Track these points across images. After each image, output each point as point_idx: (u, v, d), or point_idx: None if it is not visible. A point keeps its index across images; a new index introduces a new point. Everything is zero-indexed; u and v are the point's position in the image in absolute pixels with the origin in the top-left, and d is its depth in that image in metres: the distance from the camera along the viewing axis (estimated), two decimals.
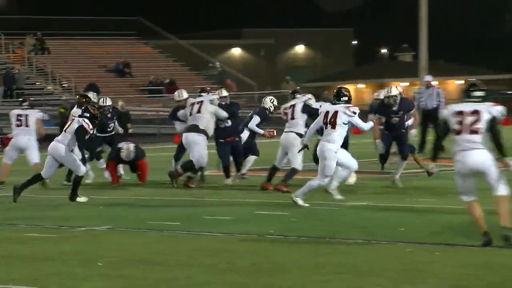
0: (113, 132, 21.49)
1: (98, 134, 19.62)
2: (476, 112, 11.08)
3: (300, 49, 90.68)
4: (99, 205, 16.92)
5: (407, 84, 71.35)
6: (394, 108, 18.22)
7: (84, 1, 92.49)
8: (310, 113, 17.71)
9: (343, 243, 11.87)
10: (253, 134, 20.17)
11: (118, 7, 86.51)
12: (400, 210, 14.63)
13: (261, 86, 63.30)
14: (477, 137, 11.06)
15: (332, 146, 15.22)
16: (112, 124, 21.39)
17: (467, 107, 11.22)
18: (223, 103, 19.71)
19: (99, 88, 50.73)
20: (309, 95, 18.75)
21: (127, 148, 20.10)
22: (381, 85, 79.92)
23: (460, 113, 11.18)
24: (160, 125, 50.33)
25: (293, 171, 17.80)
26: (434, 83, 31.14)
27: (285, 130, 18.21)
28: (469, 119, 11.09)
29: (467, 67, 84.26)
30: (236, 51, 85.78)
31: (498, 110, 11.13)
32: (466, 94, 11.40)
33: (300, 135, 17.62)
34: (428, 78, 29.85)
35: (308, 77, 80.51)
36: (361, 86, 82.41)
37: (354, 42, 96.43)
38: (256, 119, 19.46)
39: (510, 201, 11.08)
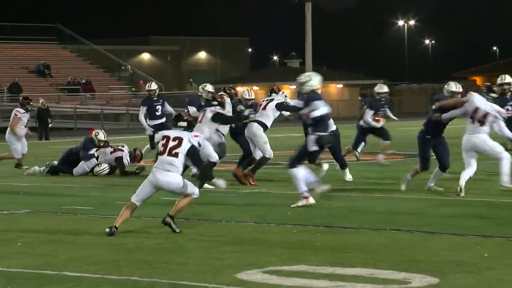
0: None
1: None
2: None
3: (202, 55, 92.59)
4: (20, 192, 16.59)
5: (294, 87, 71.98)
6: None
7: (9, 8, 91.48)
8: (285, 109, 16.95)
9: (237, 225, 11.81)
10: None
11: (40, 15, 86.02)
12: (288, 197, 14.60)
13: (168, 87, 63.56)
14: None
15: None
16: None
17: None
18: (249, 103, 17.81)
19: (21, 87, 50.32)
20: (284, 93, 18.12)
21: None
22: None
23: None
24: (77, 121, 50.44)
25: (263, 160, 16.80)
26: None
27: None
28: None
29: (346, 73, 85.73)
30: (146, 56, 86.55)
31: None
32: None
33: (265, 126, 16.74)
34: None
35: (209, 80, 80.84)
36: (255, 88, 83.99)
37: (250, 50, 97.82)
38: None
39: None
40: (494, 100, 14.30)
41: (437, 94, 14.91)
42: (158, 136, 11.60)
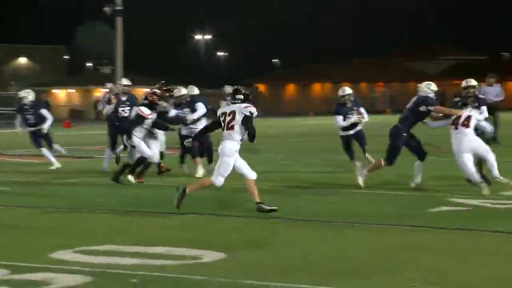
0: None
1: None
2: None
3: (23, 60, 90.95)
4: None
5: (106, 90, 71.46)
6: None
7: None
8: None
9: (52, 211, 11.62)
10: None
11: None
12: (102, 185, 14.47)
13: None
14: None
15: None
16: None
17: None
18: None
19: None
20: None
21: None
22: (87, 90, 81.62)
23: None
24: None
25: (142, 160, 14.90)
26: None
27: None
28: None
29: (154, 78, 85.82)
30: None
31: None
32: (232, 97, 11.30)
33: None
34: (109, 85, 29.82)
35: (29, 83, 79.41)
36: (71, 91, 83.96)
37: (66, 57, 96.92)
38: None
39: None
40: (455, 103, 13.45)
41: (423, 96, 13.21)
42: (218, 112, 11.36)
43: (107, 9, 61.97)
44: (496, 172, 12.53)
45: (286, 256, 8.05)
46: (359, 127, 15.57)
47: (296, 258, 7.89)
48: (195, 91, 16.73)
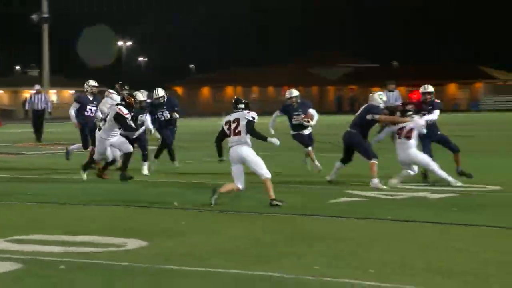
0: None
1: None
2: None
3: None
4: None
5: (33, 91, 70.32)
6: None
7: None
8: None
9: None
10: None
11: None
12: (32, 179, 14.17)
13: None
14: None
15: None
16: None
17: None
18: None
19: None
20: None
21: None
22: (16, 91, 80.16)
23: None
24: None
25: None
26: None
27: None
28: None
29: (82, 80, 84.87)
30: None
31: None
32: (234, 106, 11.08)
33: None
34: (37, 87, 29.31)
35: None
36: (0, 92, 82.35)
37: None
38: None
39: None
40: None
41: (372, 104, 12.91)
42: (222, 122, 11.06)
43: (34, 17, 60.92)
44: (448, 178, 12.44)
45: (203, 243, 8.03)
46: (307, 131, 15.02)
47: (212, 245, 7.88)
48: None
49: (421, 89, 13.70)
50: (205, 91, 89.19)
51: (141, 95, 15.03)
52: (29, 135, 28.48)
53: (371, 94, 13.39)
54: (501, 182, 12.84)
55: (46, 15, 59.37)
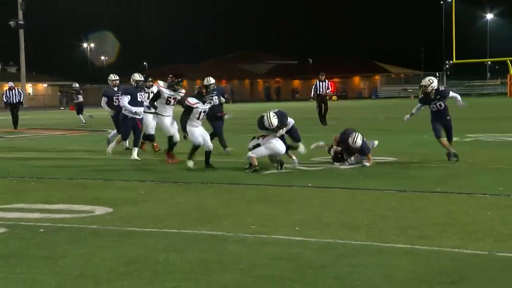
0: None
1: None
2: None
3: None
4: None
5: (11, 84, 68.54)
6: None
7: None
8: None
9: None
10: None
11: None
12: (14, 158, 13.76)
13: None
14: None
15: None
16: None
17: None
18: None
19: None
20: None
21: None
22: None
23: None
24: None
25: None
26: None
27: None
28: None
29: (50, 76, 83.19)
30: None
31: None
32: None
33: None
34: (10, 84, 28.80)
35: None
36: None
37: None
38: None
39: None
40: (420, 99, 12.18)
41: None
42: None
43: (11, 23, 59.16)
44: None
45: (159, 209, 7.97)
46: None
47: (166, 210, 7.82)
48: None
49: (423, 82, 12.24)
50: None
51: (138, 76, 13.95)
52: (8, 122, 28.14)
53: None
54: (397, 154, 13.08)
55: (21, 22, 57.81)
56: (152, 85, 14.84)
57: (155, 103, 13.29)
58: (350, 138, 11.66)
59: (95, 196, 8.95)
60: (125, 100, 13.52)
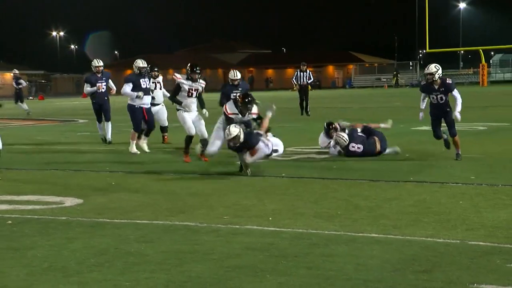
0: None
1: None
2: None
3: None
4: None
5: None
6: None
7: None
8: None
9: None
10: None
11: None
12: None
13: None
14: None
15: None
16: None
17: None
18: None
19: None
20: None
21: None
22: None
23: None
24: None
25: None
26: None
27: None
28: None
29: (17, 66, 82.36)
30: None
31: None
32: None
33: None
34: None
35: None
36: None
37: None
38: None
39: None
40: (422, 87, 10.89)
41: None
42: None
43: None
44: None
45: (130, 200, 7.92)
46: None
47: (137, 201, 7.78)
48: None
49: (425, 70, 11.00)
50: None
51: (141, 62, 13.24)
52: None
53: None
54: None
55: None
56: (158, 75, 14.48)
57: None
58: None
59: (65, 187, 8.87)
60: (126, 88, 12.89)
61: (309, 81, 24.20)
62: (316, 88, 67.40)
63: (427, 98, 11.00)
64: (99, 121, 15.16)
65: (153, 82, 14.11)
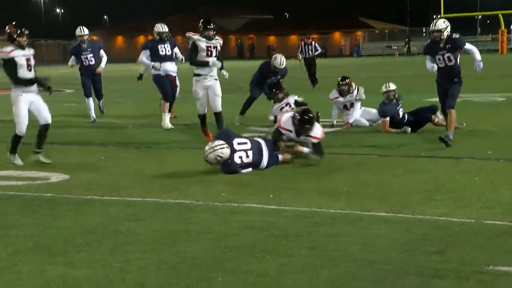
0: None
1: None
2: None
3: None
4: None
5: None
6: None
7: None
8: None
9: None
10: None
11: None
12: None
13: None
14: None
15: None
16: None
17: None
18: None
19: None
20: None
21: None
22: None
23: None
24: None
25: None
26: None
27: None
28: None
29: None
30: None
31: None
32: None
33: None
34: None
35: None
36: None
37: None
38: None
39: None
40: (425, 48, 10.19)
41: None
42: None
43: None
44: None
45: (120, 175, 7.94)
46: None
47: (128, 177, 7.80)
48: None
49: (431, 27, 9.86)
50: (119, 40, 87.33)
51: (161, 26, 12.77)
52: None
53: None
54: None
55: None
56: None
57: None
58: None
59: (52, 163, 8.87)
60: (142, 57, 12.45)
61: (316, 53, 24.27)
62: (322, 56, 67.25)
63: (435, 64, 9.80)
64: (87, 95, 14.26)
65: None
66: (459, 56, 9.72)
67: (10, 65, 8.63)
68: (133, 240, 5.24)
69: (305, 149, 8.65)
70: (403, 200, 6.36)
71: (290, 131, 8.78)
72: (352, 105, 12.38)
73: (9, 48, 8.65)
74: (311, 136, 8.72)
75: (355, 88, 12.44)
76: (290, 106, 11.90)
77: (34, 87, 8.81)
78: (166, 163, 8.70)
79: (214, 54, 10.50)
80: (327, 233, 5.29)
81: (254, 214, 5.97)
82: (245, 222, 5.69)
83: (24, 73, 8.69)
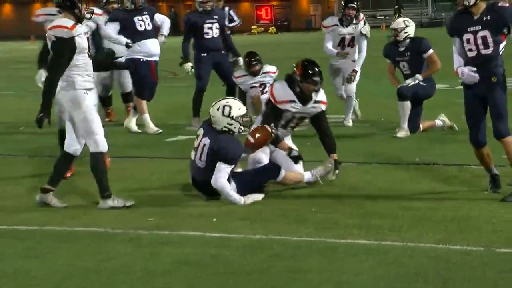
0: None
1: None
2: None
3: None
4: None
5: None
6: None
7: None
8: None
9: None
10: None
11: None
12: None
13: None
14: None
15: None
16: None
17: None
18: None
19: None
20: None
21: None
22: None
23: None
24: None
25: None
26: None
27: None
28: None
29: None
30: None
31: None
32: None
33: None
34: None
35: None
36: None
37: None
38: None
39: None
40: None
41: None
42: None
43: None
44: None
45: (9, 196, 7.92)
46: None
47: (20, 198, 7.78)
48: None
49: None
50: (6, 9, 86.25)
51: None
52: None
53: None
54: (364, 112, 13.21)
55: None
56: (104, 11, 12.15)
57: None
58: None
59: None
60: (109, 29, 11.56)
61: (231, 25, 23.65)
62: (284, 30, 67.40)
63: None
64: None
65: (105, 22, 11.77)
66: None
67: None
68: (27, 284, 5.22)
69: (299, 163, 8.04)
70: (389, 222, 6.43)
71: (293, 101, 7.96)
72: (352, 41, 11.97)
73: None
74: (320, 101, 8.07)
75: (362, 18, 12.00)
76: (265, 87, 11.23)
77: None
78: (73, 177, 8.66)
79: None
80: (289, 269, 5.35)
81: (191, 245, 6.01)
82: (179, 255, 5.72)
83: None
